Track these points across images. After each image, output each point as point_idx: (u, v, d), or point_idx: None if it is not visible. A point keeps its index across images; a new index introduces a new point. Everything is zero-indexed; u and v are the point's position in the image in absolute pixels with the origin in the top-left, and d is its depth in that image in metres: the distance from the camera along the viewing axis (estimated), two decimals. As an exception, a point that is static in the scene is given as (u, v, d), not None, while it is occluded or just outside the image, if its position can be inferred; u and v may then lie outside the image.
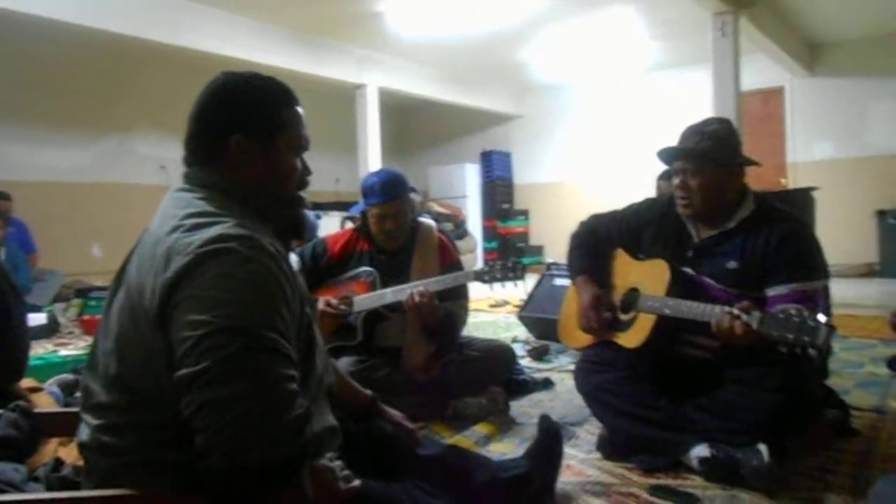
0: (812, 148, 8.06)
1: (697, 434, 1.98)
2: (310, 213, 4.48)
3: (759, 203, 2.15)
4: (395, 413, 1.76)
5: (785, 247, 2.01)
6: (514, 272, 2.52)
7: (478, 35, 7.25)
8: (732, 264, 2.07)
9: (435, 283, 2.52)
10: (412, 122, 11.32)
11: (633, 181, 7.19)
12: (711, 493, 1.83)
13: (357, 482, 1.24)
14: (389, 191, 2.61)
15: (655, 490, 1.85)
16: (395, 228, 2.63)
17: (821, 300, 1.97)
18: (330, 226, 6.59)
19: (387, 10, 6.51)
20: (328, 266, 2.75)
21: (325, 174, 9.55)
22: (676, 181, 2.15)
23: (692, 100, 7.73)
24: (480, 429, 2.41)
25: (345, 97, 8.29)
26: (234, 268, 1.04)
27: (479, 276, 2.56)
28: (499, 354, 2.78)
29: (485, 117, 10.44)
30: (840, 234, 7.02)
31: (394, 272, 2.66)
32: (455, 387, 2.60)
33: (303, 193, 1.36)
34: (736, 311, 1.78)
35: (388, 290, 2.57)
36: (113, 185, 7.72)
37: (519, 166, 10.56)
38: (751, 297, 2.00)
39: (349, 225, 3.12)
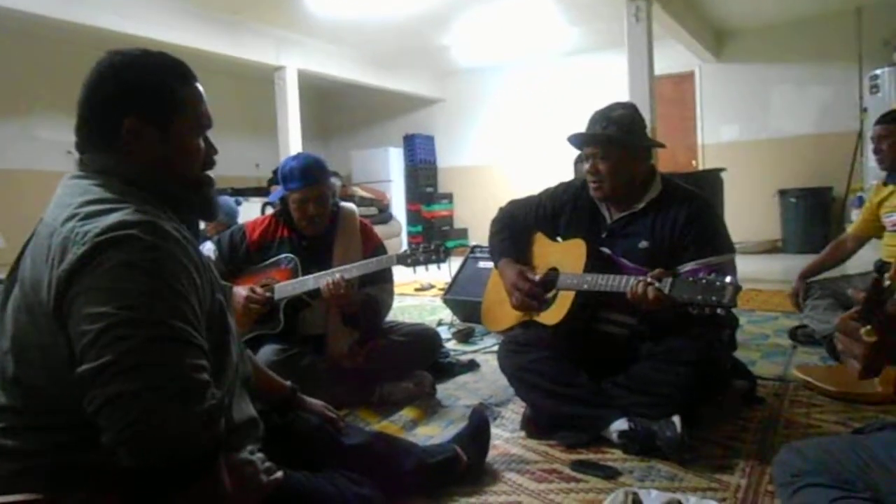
0: (720, 130, 8.42)
1: (617, 409, 2.05)
2: (229, 199, 4.36)
3: (666, 184, 2.25)
4: (315, 402, 1.75)
5: (692, 225, 2.11)
6: (437, 255, 2.52)
7: (399, 18, 7.18)
8: (643, 244, 2.16)
9: (358, 267, 2.51)
10: (333, 106, 11.14)
11: (555, 163, 7.31)
12: (630, 465, 1.91)
13: (279, 474, 1.22)
14: (309, 175, 2.57)
15: (577, 465, 1.91)
16: (316, 213, 2.59)
17: (728, 271, 2.08)
18: (251, 212, 6.43)
19: (304, -10, 6.37)
20: (246, 253, 2.70)
21: (244, 159, 9.29)
22: (587, 166, 2.23)
23: (609, 83, 7.90)
24: (407, 413, 2.42)
25: (263, 80, 8.07)
26: (135, 256, 1.00)
27: (402, 260, 2.54)
28: (424, 338, 2.80)
29: (407, 101, 10.38)
30: (746, 212, 7.40)
31: (316, 258, 2.63)
32: (381, 373, 2.60)
33: (210, 174, 1.31)
34: (649, 279, 1.86)
35: (309, 276, 2.53)
36: (14, 173, 7.27)
37: (442, 150, 10.57)
38: None
39: (269, 211, 3.05)
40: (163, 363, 0.96)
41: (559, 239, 2.38)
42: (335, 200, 2.75)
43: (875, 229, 3.21)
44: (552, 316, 2.22)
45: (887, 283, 1.05)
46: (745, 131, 8.26)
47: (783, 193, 7.61)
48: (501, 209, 2.58)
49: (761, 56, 8.08)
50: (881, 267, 1.08)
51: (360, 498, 1.36)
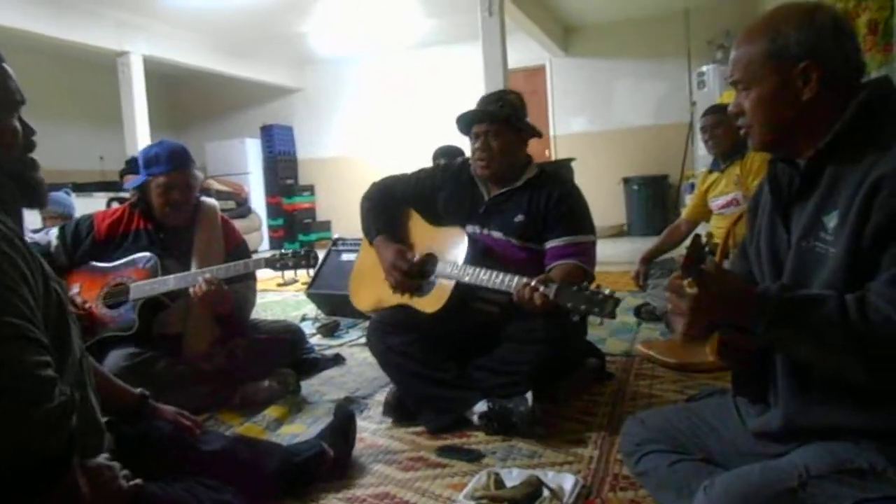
0: (570, 122, 8.89)
1: (479, 391, 2.13)
2: (59, 192, 4.06)
3: (542, 168, 2.39)
4: (169, 409, 1.67)
5: (562, 204, 2.25)
6: (306, 259, 2.46)
7: (254, 3, 6.93)
8: (519, 217, 2.27)
9: (224, 269, 2.41)
10: (185, 95, 10.58)
11: (417, 154, 7.38)
12: (493, 446, 1.99)
13: (139, 480, 1.16)
14: (176, 159, 2.48)
15: (442, 451, 1.96)
16: (182, 200, 2.50)
17: (592, 252, 2.26)
18: (93, 207, 5.96)
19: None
20: (92, 244, 2.52)
21: (86, 152, 8.61)
22: (477, 143, 2.30)
23: (466, 75, 8.09)
24: (270, 413, 2.37)
25: (105, 66, 7.52)
26: None
27: (271, 264, 2.46)
28: (286, 335, 2.75)
29: (264, 90, 10.05)
30: (595, 199, 7.70)
31: (174, 253, 2.52)
32: (242, 372, 2.52)
33: (34, 157, 1.22)
34: (534, 283, 1.89)
35: (170, 277, 2.40)
36: None
37: (302, 141, 10.36)
38: (533, 249, 2.24)
39: (116, 205, 2.86)
40: (2, 363, 0.90)
41: (437, 222, 2.40)
42: (197, 195, 2.64)
43: (704, 213, 3.52)
44: (430, 304, 2.24)
45: (704, 241, 1.17)
46: (592, 123, 8.77)
47: (627, 181, 8.17)
48: (375, 184, 2.55)
49: (605, 52, 8.60)
50: (697, 236, 1.20)
51: (219, 504, 1.32)
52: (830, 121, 1.17)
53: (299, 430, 2.24)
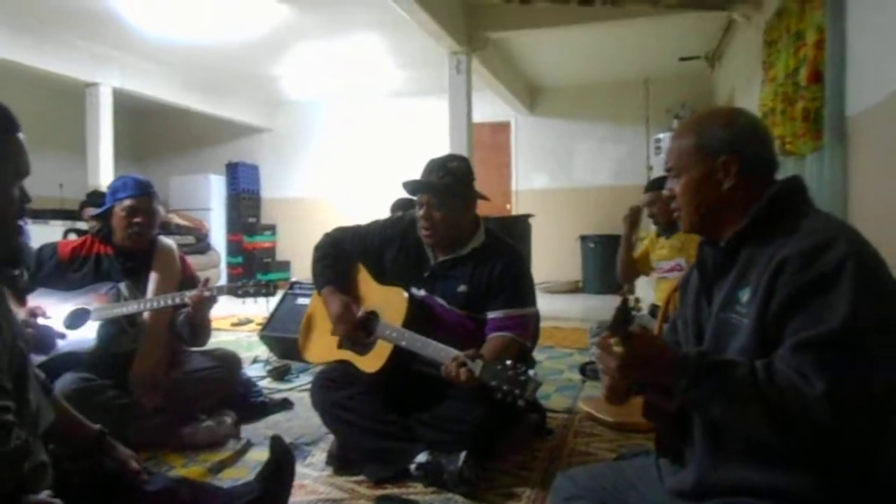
0: (532, 178, 9.13)
1: (422, 444, 2.17)
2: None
3: (489, 235, 2.43)
4: (123, 451, 1.69)
5: (504, 276, 2.29)
6: (266, 289, 2.59)
7: (228, 43, 7.05)
8: (462, 288, 2.31)
9: (188, 295, 2.52)
10: (151, 128, 10.56)
11: (380, 200, 7.48)
12: (431, 497, 2.04)
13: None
14: (144, 185, 2.71)
15: (381, 500, 2.01)
16: (144, 224, 2.66)
17: (531, 325, 2.31)
18: (50, 235, 5.90)
19: (120, 5, 6.05)
20: (56, 267, 2.63)
21: (45, 178, 8.46)
22: (421, 212, 2.33)
23: (432, 126, 8.29)
24: (214, 456, 2.38)
25: (73, 94, 7.51)
26: None
27: (233, 291, 2.60)
28: (223, 360, 2.81)
29: (232, 128, 10.11)
30: (552, 255, 8.04)
31: (133, 278, 2.65)
32: (182, 407, 2.58)
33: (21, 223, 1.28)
34: (462, 358, 1.95)
35: (132, 301, 2.56)
36: None
37: (267, 180, 10.39)
38: (475, 319, 2.28)
39: (73, 236, 2.95)
40: None
41: (382, 279, 2.43)
42: (156, 232, 2.80)
43: (643, 266, 3.70)
44: (371, 363, 2.28)
45: (631, 303, 1.27)
46: (553, 180, 9.03)
47: (584, 238, 8.38)
48: (327, 234, 2.59)
49: (569, 113, 8.92)
50: (626, 297, 1.30)
51: (156, 544, 1.34)
52: (747, 208, 1.30)
53: (242, 474, 2.25)
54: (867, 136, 2.75)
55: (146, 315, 2.59)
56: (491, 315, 2.26)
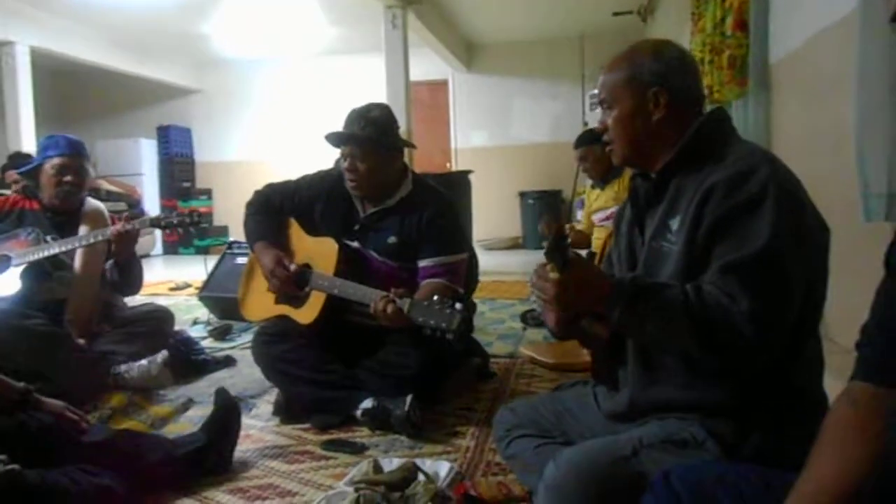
0: (470, 136, 9.14)
1: (366, 391, 2.20)
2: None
3: (416, 183, 2.41)
4: (54, 403, 1.67)
5: (433, 225, 2.30)
6: (190, 218, 2.62)
7: (151, 1, 6.74)
8: (392, 239, 2.31)
9: (111, 231, 2.55)
10: (76, 90, 10.05)
11: (319, 161, 7.38)
12: (377, 439, 2.08)
13: (16, 466, 1.18)
14: (74, 146, 2.69)
15: (328, 445, 2.03)
16: (73, 182, 2.64)
17: (462, 270, 2.33)
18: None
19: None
20: None
21: (-39, 145, 8.05)
22: (345, 164, 2.31)
23: (369, 85, 8.14)
24: (156, 411, 2.36)
25: (-15, 56, 7.08)
26: None
27: (156, 223, 2.62)
28: (156, 314, 2.86)
29: (162, 89, 9.72)
30: (492, 211, 8.12)
31: (60, 232, 2.62)
32: (114, 353, 2.58)
33: None
34: (391, 296, 1.97)
35: (52, 242, 2.53)
36: None
37: (201, 143, 10.08)
38: (407, 269, 2.29)
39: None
40: None
41: (313, 231, 2.43)
42: (85, 193, 2.77)
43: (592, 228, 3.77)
44: (306, 315, 2.29)
45: (566, 229, 1.31)
46: (491, 137, 9.06)
47: (523, 195, 8.48)
48: (258, 191, 2.57)
49: (506, 70, 8.92)
50: (560, 225, 1.34)
51: (97, 488, 1.34)
52: (676, 139, 1.35)
53: (185, 429, 2.23)
54: (787, 81, 2.85)
55: (77, 264, 2.57)
56: (422, 264, 2.27)
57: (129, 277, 2.72)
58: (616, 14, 7.44)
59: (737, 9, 3.18)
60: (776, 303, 1.14)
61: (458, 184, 6.04)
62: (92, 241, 2.54)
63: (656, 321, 1.20)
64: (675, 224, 1.30)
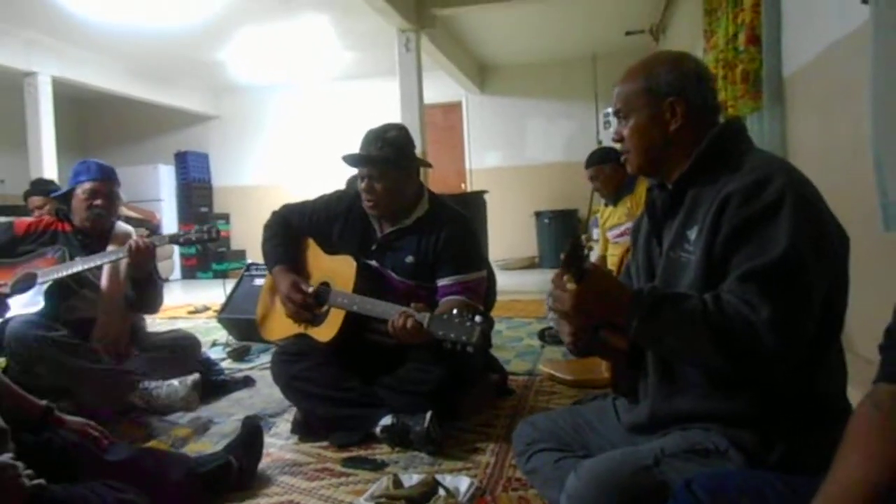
0: (485, 157, 9.20)
1: (385, 408, 2.20)
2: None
3: (433, 203, 2.44)
4: (75, 420, 1.69)
5: (451, 243, 2.31)
6: (209, 234, 2.62)
7: (168, 29, 6.88)
8: (410, 258, 2.33)
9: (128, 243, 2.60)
10: (96, 118, 10.25)
11: (332, 184, 7.44)
12: (396, 456, 2.07)
13: (41, 480, 1.19)
14: (106, 170, 2.76)
15: (347, 462, 2.03)
16: (103, 207, 2.71)
17: (480, 288, 2.34)
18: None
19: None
20: (10, 242, 2.67)
21: (-14, 174, 8.23)
22: (363, 185, 2.33)
23: (383, 108, 8.22)
24: (176, 432, 2.37)
25: (11, 86, 7.25)
26: None
27: (174, 239, 2.68)
28: (183, 341, 2.90)
29: (179, 116, 9.89)
30: (507, 231, 8.14)
31: (89, 254, 2.65)
32: (142, 374, 2.62)
33: None
34: (410, 311, 1.99)
35: (77, 259, 2.57)
36: None
37: (218, 168, 10.21)
38: (425, 287, 2.30)
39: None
40: None
41: (331, 250, 2.45)
42: (117, 215, 2.89)
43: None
44: (325, 333, 2.30)
45: (584, 241, 1.31)
46: (506, 158, 9.11)
47: (538, 215, 8.50)
48: (275, 213, 2.60)
49: (519, 91, 8.99)
50: (577, 237, 1.34)
51: (122, 503, 1.35)
52: (692, 150, 1.35)
53: (206, 448, 2.24)
54: (802, 94, 2.86)
55: (103, 283, 2.64)
56: (440, 282, 2.29)
57: (145, 296, 2.74)
58: (628, 33, 7.49)
59: (749, 24, 3.20)
60: (796, 310, 1.14)
61: (473, 204, 6.07)
62: (111, 258, 2.58)
63: (676, 331, 1.20)
64: (692, 234, 1.30)
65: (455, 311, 1.89)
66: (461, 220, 2.44)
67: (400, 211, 2.38)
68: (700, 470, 1.16)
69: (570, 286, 1.22)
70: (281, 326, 2.47)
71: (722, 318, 1.15)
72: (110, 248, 2.70)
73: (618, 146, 1.50)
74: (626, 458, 1.23)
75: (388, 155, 2.30)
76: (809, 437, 1.20)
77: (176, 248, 9.36)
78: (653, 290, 1.24)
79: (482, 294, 2.36)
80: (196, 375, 2.66)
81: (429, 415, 2.08)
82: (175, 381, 2.59)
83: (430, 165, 2.53)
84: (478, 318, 1.84)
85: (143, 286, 2.71)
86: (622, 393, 1.53)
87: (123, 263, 2.62)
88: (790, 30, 2.95)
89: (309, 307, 2.34)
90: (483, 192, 6.41)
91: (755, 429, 1.21)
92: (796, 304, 1.14)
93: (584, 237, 1.53)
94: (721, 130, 1.36)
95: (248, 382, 3.09)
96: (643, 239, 1.50)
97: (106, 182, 2.74)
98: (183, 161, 9.81)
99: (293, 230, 2.53)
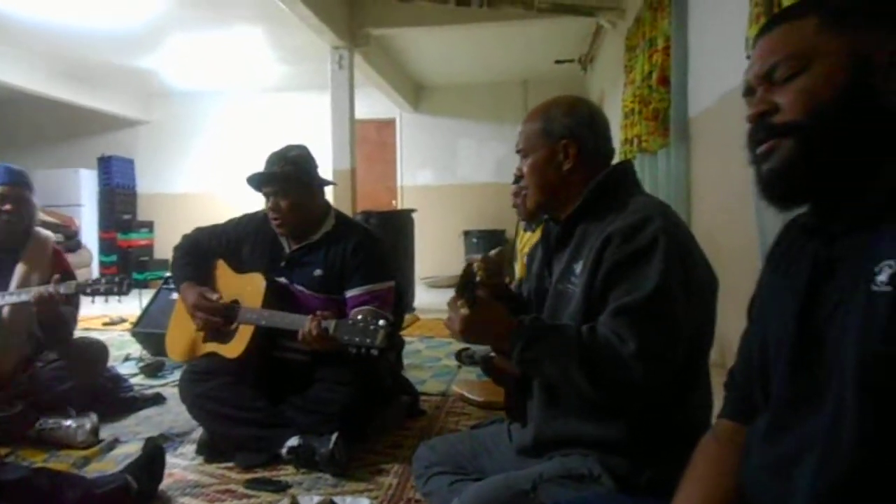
0: (417, 174, 9.29)
1: (293, 428, 2.22)
2: None
3: (339, 218, 2.51)
4: None
5: (358, 254, 2.38)
6: (119, 286, 2.50)
7: (100, 31, 6.66)
8: (318, 272, 2.38)
9: (35, 291, 2.45)
10: (12, 117, 9.80)
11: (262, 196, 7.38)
12: (301, 478, 2.10)
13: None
14: (14, 175, 2.65)
15: (251, 483, 2.04)
16: (13, 211, 2.59)
17: (389, 297, 2.40)
18: None
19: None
20: None
21: None
22: (269, 203, 2.39)
23: (315, 122, 8.22)
24: (77, 452, 2.32)
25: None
26: None
27: (82, 289, 2.50)
28: (88, 348, 2.78)
29: (104, 120, 9.57)
30: (436, 249, 8.23)
31: None
32: (43, 397, 2.50)
33: None
34: (316, 318, 2.04)
35: None
36: None
37: (144, 175, 9.91)
38: (335, 300, 2.34)
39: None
40: None
41: (241, 269, 2.47)
42: (32, 221, 2.73)
43: None
44: (233, 349, 2.31)
45: (476, 268, 1.40)
46: (437, 176, 9.23)
47: (467, 234, 8.62)
48: (185, 235, 2.62)
49: (452, 111, 9.13)
50: (469, 264, 1.42)
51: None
52: (583, 189, 1.45)
53: (108, 468, 2.21)
54: (704, 135, 3.04)
55: (4, 313, 2.50)
56: (349, 294, 2.34)
57: (54, 336, 2.62)
58: (558, 62, 7.74)
59: (660, 65, 3.39)
60: (662, 344, 1.24)
61: (401, 222, 6.12)
62: (13, 300, 2.46)
63: (552, 360, 1.29)
64: (578, 268, 1.39)
65: (360, 317, 1.95)
66: (367, 232, 2.53)
67: (307, 227, 2.43)
68: (574, 495, 1.24)
69: (463, 311, 1.30)
70: (190, 346, 2.46)
71: (594, 348, 1.24)
72: (20, 265, 2.59)
73: (520, 182, 1.59)
74: (506, 483, 1.30)
75: (290, 172, 2.37)
76: (675, 463, 1.30)
77: (95, 256, 9.05)
78: (534, 320, 1.33)
79: (391, 304, 2.41)
80: (94, 418, 2.49)
81: (334, 436, 2.11)
82: (72, 423, 2.43)
83: (334, 183, 2.58)
84: (381, 322, 1.91)
85: (50, 329, 2.59)
86: (514, 417, 1.61)
87: (11, 293, 2.50)
88: (695, 74, 3.14)
89: (218, 312, 2.33)
90: (412, 210, 6.47)
91: (626, 454, 1.30)
92: (662, 339, 1.24)
93: (475, 265, 1.59)
94: (610, 172, 1.46)
95: (158, 400, 3.04)
96: (537, 267, 1.59)
97: (14, 186, 2.61)
98: (107, 166, 9.48)
99: (203, 251, 2.55)
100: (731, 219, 2.42)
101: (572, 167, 1.45)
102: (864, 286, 0.70)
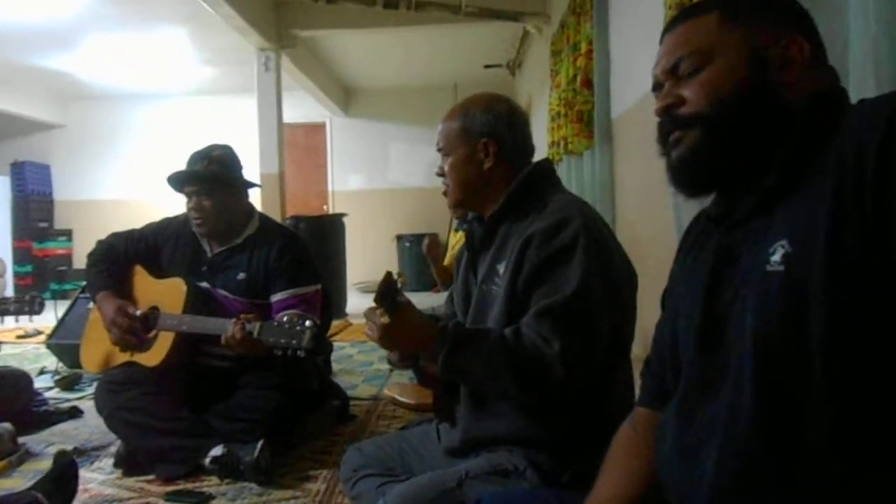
0: (348, 179, 9.20)
1: (217, 437, 2.15)
2: None
3: (263, 221, 2.46)
4: None
5: (282, 258, 2.32)
6: (30, 306, 2.38)
7: (7, 27, 6.33)
8: (241, 276, 2.32)
9: None
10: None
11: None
12: (225, 488, 2.04)
13: None
14: None
15: (171, 496, 1.97)
16: None
17: (316, 300, 2.36)
18: None
19: None
20: None
21: None
22: (191, 203, 2.31)
23: (241, 126, 8.03)
24: (-15, 469, 2.19)
25: None
26: None
27: None
28: (9, 380, 2.62)
29: (17, 124, 9.08)
30: (369, 254, 8.16)
31: None
32: None
33: None
34: (240, 323, 1.99)
35: None
36: None
37: (61, 181, 9.48)
38: (259, 305, 2.29)
39: None
40: None
41: (160, 275, 2.39)
42: None
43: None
44: (152, 357, 2.23)
45: (396, 277, 1.39)
46: (369, 181, 9.17)
47: (400, 238, 8.60)
48: (100, 241, 2.51)
49: (383, 115, 9.10)
50: (389, 273, 1.41)
51: None
52: (505, 188, 1.45)
53: (17, 485, 2.09)
54: (626, 135, 3.12)
55: None
56: (274, 298, 2.29)
57: None
58: (487, 66, 7.81)
59: (584, 68, 3.46)
60: (584, 344, 1.25)
61: (332, 227, 6.05)
62: None
63: (478, 365, 1.28)
64: (501, 268, 1.39)
65: (286, 319, 1.91)
66: (291, 235, 2.48)
67: (229, 230, 2.37)
68: (499, 489, 1.24)
69: (383, 319, 1.28)
70: (106, 356, 2.35)
71: (518, 350, 1.24)
72: None
73: (442, 182, 1.58)
74: (432, 482, 1.29)
75: (215, 171, 2.31)
76: (598, 457, 1.31)
77: (9, 266, 8.60)
78: (456, 326, 1.32)
79: (318, 307, 2.37)
80: (9, 427, 2.37)
81: (260, 444, 2.06)
82: None
83: (258, 185, 2.53)
84: (308, 323, 1.87)
85: None
86: (443, 418, 1.60)
87: None
88: (617, 76, 3.22)
89: (135, 331, 2.24)
90: (343, 214, 6.41)
91: (551, 450, 1.31)
92: (584, 339, 1.25)
93: (396, 273, 1.58)
94: (531, 171, 1.47)
95: (74, 413, 2.91)
96: (462, 269, 1.59)
97: None
98: (20, 172, 9.02)
99: (119, 256, 2.44)
100: (651, 214, 2.48)
101: (493, 165, 1.46)
102: (760, 267, 0.72)
